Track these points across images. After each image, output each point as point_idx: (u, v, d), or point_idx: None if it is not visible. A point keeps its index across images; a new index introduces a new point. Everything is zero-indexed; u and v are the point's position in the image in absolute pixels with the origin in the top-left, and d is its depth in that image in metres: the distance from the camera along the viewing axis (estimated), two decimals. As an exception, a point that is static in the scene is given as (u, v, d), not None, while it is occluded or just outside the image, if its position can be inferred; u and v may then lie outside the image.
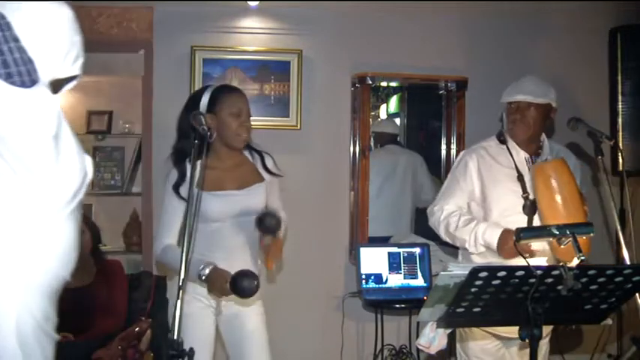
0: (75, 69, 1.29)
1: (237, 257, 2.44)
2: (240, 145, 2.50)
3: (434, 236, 3.92)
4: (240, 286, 2.21)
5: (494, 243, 2.49)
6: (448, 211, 2.66)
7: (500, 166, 2.63)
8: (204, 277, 2.29)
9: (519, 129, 2.61)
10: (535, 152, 2.67)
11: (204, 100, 2.48)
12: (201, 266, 2.30)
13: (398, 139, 4.45)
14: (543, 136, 2.69)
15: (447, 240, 2.71)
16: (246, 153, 2.60)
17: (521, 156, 2.65)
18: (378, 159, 4.22)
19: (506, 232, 2.46)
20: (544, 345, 2.64)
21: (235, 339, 2.55)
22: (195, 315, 2.47)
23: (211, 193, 2.43)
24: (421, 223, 4.17)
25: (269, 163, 2.59)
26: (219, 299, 2.49)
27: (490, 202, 2.61)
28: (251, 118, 2.53)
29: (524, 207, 2.54)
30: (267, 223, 2.38)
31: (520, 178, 2.58)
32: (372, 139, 4.34)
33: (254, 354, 2.52)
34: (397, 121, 4.52)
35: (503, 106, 2.71)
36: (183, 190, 2.41)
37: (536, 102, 2.58)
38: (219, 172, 2.50)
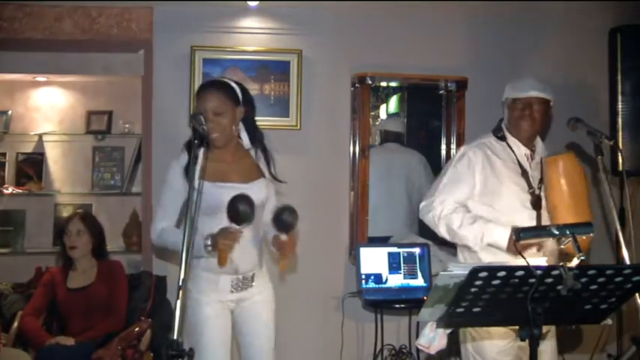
0: None
1: (240, 249, 2.45)
2: (214, 143, 2.44)
3: (435, 236, 3.96)
4: (237, 210, 2.28)
5: (502, 242, 2.47)
6: (450, 208, 2.59)
7: (503, 162, 2.65)
8: (210, 248, 2.36)
9: (528, 124, 2.64)
10: (532, 149, 2.71)
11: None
12: (205, 240, 2.36)
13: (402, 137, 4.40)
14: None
15: (445, 236, 2.64)
16: (251, 150, 2.62)
17: (522, 151, 2.68)
18: (375, 157, 4.21)
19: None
20: (548, 345, 2.61)
21: (249, 329, 2.60)
22: (212, 319, 2.50)
23: (216, 185, 2.44)
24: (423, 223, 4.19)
25: (274, 169, 2.63)
26: (237, 297, 2.55)
27: (495, 198, 2.61)
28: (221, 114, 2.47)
29: (531, 203, 2.58)
30: (284, 219, 2.39)
31: (524, 174, 2.62)
32: (378, 136, 4.34)
33: (264, 346, 2.60)
34: (397, 120, 4.51)
35: (507, 103, 2.72)
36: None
37: (546, 98, 2.63)
38: (222, 164, 2.52)
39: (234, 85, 2.57)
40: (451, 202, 2.61)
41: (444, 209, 2.60)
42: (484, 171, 2.64)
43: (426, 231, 3.89)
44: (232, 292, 2.53)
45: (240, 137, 2.61)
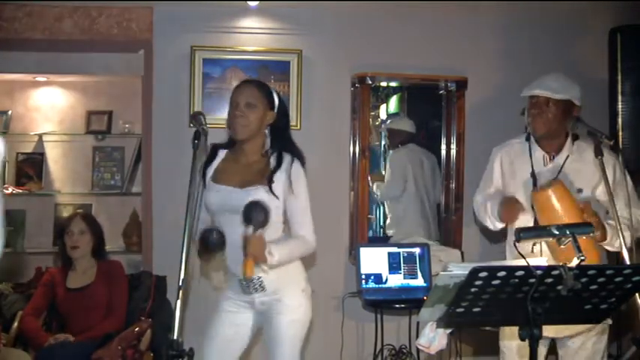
0: None
1: (235, 253, 2.42)
2: (236, 135, 2.48)
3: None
4: (206, 241, 2.31)
5: (495, 213, 2.63)
6: (480, 200, 2.81)
7: (520, 162, 2.67)
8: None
9: (537, 124, 2.60)
10: (556, 150, 2.63)
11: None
12: None
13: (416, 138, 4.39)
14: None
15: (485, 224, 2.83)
16: (273, 157, 2.53)
17: (538, 153, 2.64)
18: (408, 157, 4.23)
19: (504, 200, 2.59)
20: (589, 345, 2.60)
21: (268, 335, 2.55)
22: (226, 312, 2.53)
23: (213, 185, 2.47)
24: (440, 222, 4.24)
25: (276, 179, 2.48)
26: (253, 300, 2.52)
27: None
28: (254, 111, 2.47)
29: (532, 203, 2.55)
30: (250, 214, 2.28)
31: (532, 174, 2.60)
32: (385, 135, 4.35)
33: (280, 354, 2.50)
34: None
35: (526, 102, 2.68)
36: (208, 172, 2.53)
37: (554, 98, 2.56)
38: (232, 165, 2.53)
39: (273, 90, 2.59)
40: (480, 197, 2.82)
41: (477, 203, 2.83)
42: (502, 171, 2.75)
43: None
44: (244, 293, 2.50)
45: (264, 144, 2.56)
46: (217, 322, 2.54)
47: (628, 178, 2.55)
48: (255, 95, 2.48)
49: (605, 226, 2.43)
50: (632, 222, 2.46)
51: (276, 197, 2.46)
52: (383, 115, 4.47)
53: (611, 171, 2.52)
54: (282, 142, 2.55)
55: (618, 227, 2.29)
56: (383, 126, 4.37)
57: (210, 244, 2.31)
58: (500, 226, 2.70)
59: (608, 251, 2.57)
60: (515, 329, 2.44)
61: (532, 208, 2.54)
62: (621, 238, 2.28)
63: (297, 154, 2.55)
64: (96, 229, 3.39)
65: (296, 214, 2.51)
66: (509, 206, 2.56)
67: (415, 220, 4.21)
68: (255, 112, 2.47)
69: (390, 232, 4.23)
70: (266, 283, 2.47)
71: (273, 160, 2.52)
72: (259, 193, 2.43)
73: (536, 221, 2.54)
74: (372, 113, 4.20)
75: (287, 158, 2.52)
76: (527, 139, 2.68)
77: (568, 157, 2.61)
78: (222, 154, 2.57)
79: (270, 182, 2.45)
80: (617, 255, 2.45)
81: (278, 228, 2.51)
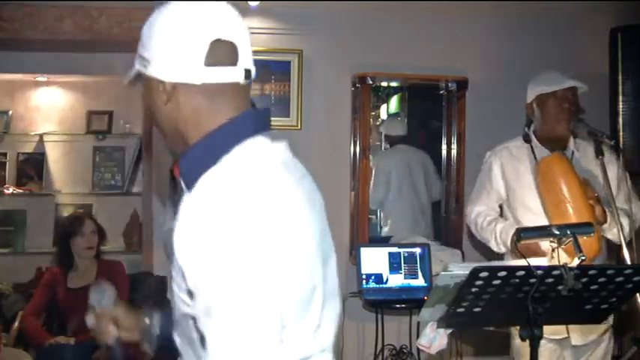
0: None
1: None
2: None
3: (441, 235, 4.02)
4: None
5: (507, 243, 2.47)
6: (477, 212, 2.67)
7: (524, 166, 2.58)
8: None
9: (567, 120, 2.52)
10: (561, 149, 2.55)
11: None
12: None
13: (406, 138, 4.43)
14: None
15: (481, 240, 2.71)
16: None
17: (543, 154, 2.55)
18: (392, 159, 4.24)
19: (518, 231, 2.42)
20: (601, 347, 2.57)
21: None
22: None
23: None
24: (435, 220, 4.26)
25: None
26: None
27: (516, 203, 2.57)
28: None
29: None
30: None
31: None
32: (383, 138, 4.37)
33: None
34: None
35: (539, 101, 2.58)
36: None
37: (583, 86, 2.57)
38: None
39: None
40: (479, 208, 2.68)
41: (472, 214, 2.69)
42: (505, 177, 2.61)
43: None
44: None
45: None
46: None
47: (627, 175, 2.52)
48: None
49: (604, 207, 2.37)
50: (631, 213, 2.44)
51: None
52: (383, 115, 4.47)
53: (615, 167, 2.49)
54: None
55: (616, 214, 2.26)
56: (380, 129, 4.38)
57: None
58: (504, 250, 2.57)
59: (608, 245, 2.55)
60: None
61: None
62: (619, 224, 2.26)
63: None
64: (101, 229, 3.42)
65: None
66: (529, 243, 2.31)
67: (405, 219, 4.22)
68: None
69: (385, 231, 4.26)
70: None
71: None
72: None
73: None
74: (373, 113, 4.20)
75: None
76: (527, 140, 2.60)
77: (573, 153, 2.57)
78: None
79: None
80: (618, 254, 2.45)
81: None
